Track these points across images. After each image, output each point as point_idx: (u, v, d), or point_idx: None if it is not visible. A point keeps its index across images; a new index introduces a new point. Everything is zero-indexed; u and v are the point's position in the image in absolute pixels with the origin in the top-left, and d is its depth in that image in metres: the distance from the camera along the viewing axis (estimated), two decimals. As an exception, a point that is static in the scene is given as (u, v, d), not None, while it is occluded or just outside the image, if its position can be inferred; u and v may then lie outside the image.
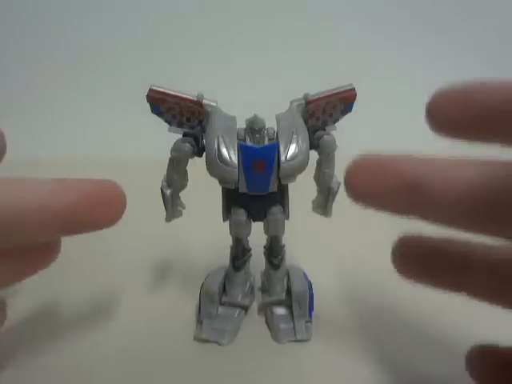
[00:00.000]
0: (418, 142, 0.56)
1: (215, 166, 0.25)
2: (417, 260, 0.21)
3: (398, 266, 0.21)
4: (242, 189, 0.26)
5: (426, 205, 0.17)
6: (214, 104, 0.27)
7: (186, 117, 0.27)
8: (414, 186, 0.17)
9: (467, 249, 0.20)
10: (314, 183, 0.29)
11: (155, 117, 0.27)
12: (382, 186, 0.17)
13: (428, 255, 0.21)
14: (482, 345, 0.22)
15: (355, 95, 0.27)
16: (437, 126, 0.17)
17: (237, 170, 0.25)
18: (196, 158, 0.27)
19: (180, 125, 0.28)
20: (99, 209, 0.20)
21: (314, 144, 0.27)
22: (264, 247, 0.31)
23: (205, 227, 0.36)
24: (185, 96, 0.27)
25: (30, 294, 0.33)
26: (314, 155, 0.27)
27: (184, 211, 0.30)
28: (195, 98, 0.27)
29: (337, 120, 0.28)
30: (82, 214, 0.19)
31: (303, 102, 0.27)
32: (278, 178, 0.26)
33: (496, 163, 0.17)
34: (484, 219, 0.16)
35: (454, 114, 0.16)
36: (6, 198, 0.18)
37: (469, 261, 0.20)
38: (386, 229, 0.42)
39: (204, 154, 0.26)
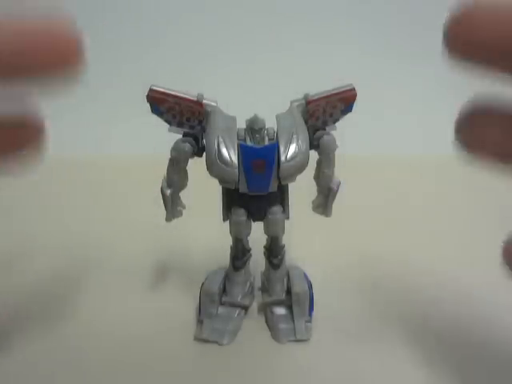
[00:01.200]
0: (417, 142, 0.56)
1: (215, 166, 0.25)
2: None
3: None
4: (243, 189, 0.26)
5: None
6: (214, 104, 0.27)
7: (186, 117, 0.27)
8: None
9: None
10: (313, 183, 0.29)
11: (155, 117, 0.27)
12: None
13: None
14: None
15: (355, 95, 0.27)
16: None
17: (237, 170, 0.25)
18: (196, 157, 0.27)
19: (180, 125, 0.28)
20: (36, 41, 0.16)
21: (313, 144, 0.27)
22: (264, 247, 0.31)
23: (205, 227, 0.36)
24: (185, 96, 0.27)
25: (30, 292, 0.33)
26: (314, 155, 0.27)
27: (184, 211, 0.30)
28: (195, 98, 0.27)
29: (337, 120, 0.28)
30: (15, 45, 0.16)
31: (303, 102, 0.27)
32: (278, 178, 0.26)
33: None
34: None
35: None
36: None
37: None
38: (386, 229, 0.42)
39: (204, 153, 0.26)
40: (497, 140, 0.17)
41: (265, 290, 0.32)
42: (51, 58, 0.17)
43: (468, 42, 0.15)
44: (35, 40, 0.17)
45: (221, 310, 0.30)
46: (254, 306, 0.32)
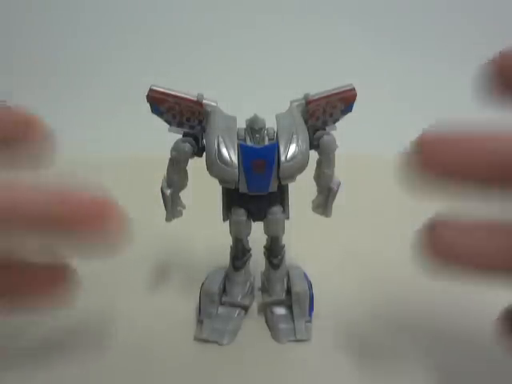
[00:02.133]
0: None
1: (215, 166, 0.25)
2: None
3: None
4: (243, 189, 0.26)
5: None
6: (214, 104, 0.27)
7: (186, 117, 0.27)
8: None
9: None
10: (313, 183, 0.29)
11: (155, 117, 0.27)
12: (469, 160, 0.16)
13: None
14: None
15: (355, 95, 0.27)
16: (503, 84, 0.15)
17: (237, 170, 0.25)
18: (196, 157, 0.27)
19: (180, 125, 0.28)
20: (89, 223, 0.19)
21: (313, 144, 0.27)
22: (264, 247, 0.31)
23: (205, 227, 0.36)
24: (185, 96, 0.27)
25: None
26: (314, 155, 0.27)
27: (184, 211, 0.30)
28: (195, 98, 0.27)
29: (337, 120, 0.28)
30: (67, 225, 0.18)
31: (303, 102, 0.27)
32: (278, 178, 0.26)
33: None
34: None
35: None
36: None
37: None
38: (386, 229, 0.42)
39: (204, 153, 0.26)
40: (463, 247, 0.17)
41: (265, 290, 0.32)
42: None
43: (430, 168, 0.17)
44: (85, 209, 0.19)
45: (221, 310, 0.30)
46: (254, 306, 0.32)
